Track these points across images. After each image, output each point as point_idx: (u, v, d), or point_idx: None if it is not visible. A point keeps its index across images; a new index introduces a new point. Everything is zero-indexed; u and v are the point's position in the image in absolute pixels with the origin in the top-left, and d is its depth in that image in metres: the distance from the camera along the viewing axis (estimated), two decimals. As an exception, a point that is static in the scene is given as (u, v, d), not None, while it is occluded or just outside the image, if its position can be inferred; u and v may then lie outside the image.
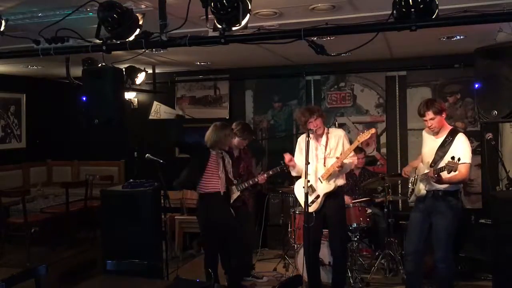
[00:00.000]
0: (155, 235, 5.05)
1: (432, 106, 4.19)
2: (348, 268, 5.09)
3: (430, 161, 4.25)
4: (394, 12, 2.71)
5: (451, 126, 4.41)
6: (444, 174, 4.02)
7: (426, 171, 4.27)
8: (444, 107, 4.31)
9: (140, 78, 6.70)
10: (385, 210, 5.60)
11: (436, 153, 4.25)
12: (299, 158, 4.74)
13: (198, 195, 4.99)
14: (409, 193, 4.66)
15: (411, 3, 2.60)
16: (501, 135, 6.11)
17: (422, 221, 4.35)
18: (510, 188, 4.90)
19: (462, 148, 4.13)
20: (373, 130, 4.55)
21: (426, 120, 4.26)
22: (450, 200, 4.22)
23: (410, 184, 4.61)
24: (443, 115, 4.26)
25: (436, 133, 4.31)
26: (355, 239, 5.34)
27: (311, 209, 4.51)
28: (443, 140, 4.25)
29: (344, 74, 7.14)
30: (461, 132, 4.33)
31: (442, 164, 4.11)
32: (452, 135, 4.24)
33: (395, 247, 5.50)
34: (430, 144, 4.38)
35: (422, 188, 4.35)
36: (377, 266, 5.51)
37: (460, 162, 3.97)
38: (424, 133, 4.51)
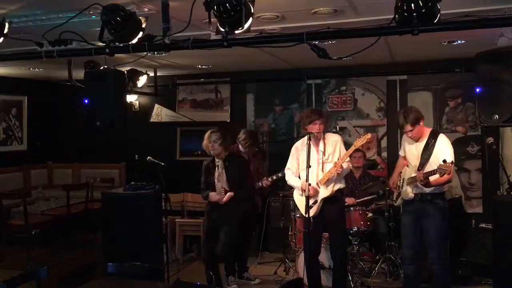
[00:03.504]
0: (156, 237, 5.06)
1: (408, 118, 4.23)
2: (348, 271, 5.09)
3: (417, 165, 4.31)
4: (396, 16, 2.72)
5: (429, 128, 4.48)
6: (433, 177, 4.09)
7: (413, 174, 4.32)
8: (421, 116, 4.32)
9: (142, 81, 6.71)
10: (386, 214, 5.59)
11: (421, 156, 4.31)
12: (293, 163, 4.81)
13: None
14: (395, 197, 4.71)
15: (413, 8, 2.60)
16: (502, 139, 6.11)
17: (414, 224, 4.42)
18: (511, 193, 4.89)
19: (445, 149, 4.21)
20: (368, 135, 4.56)
21: (405, 132, 4.33)
22: (438, 202, 4.30)
23: (396, 188, 4.66)
24: (421, 124, 4.29)
25: (417, 140, 4.36)
26: (356, 242, 5.34)
27: (310, 213, 4.52)
28: (426, 143, 4.33)
29: (345, 78, 7.14)
30: (441, 133, 4.41)
31: (429, 165, 4.19)
32: (433, 137, 4.32)
33: (395, 251, 5.50)
34: (413, 148, 4.45)
35: (409, 192, 4.40)
36: (377, 270, 5.52)
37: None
38: (404, 139, 4.58)
